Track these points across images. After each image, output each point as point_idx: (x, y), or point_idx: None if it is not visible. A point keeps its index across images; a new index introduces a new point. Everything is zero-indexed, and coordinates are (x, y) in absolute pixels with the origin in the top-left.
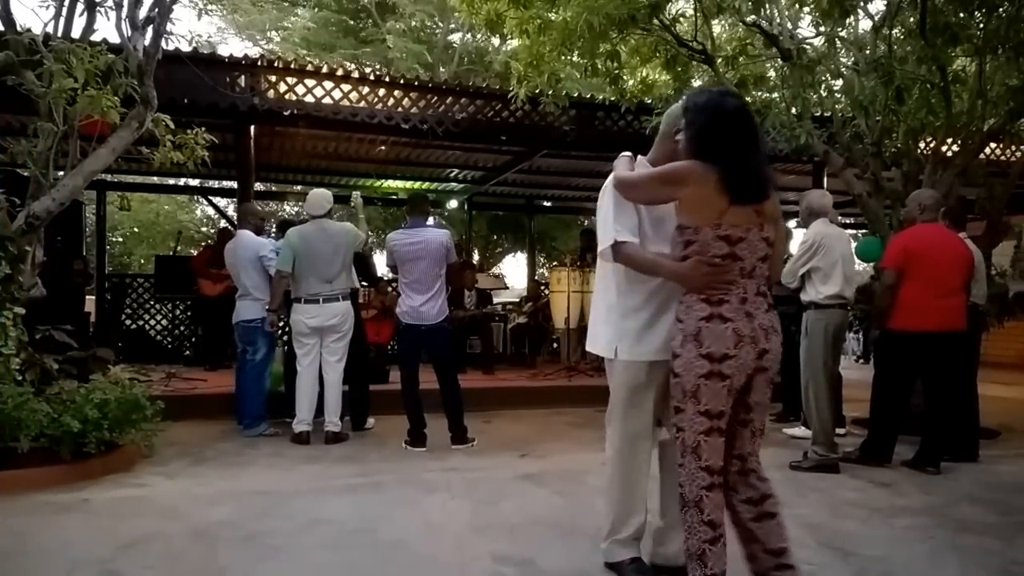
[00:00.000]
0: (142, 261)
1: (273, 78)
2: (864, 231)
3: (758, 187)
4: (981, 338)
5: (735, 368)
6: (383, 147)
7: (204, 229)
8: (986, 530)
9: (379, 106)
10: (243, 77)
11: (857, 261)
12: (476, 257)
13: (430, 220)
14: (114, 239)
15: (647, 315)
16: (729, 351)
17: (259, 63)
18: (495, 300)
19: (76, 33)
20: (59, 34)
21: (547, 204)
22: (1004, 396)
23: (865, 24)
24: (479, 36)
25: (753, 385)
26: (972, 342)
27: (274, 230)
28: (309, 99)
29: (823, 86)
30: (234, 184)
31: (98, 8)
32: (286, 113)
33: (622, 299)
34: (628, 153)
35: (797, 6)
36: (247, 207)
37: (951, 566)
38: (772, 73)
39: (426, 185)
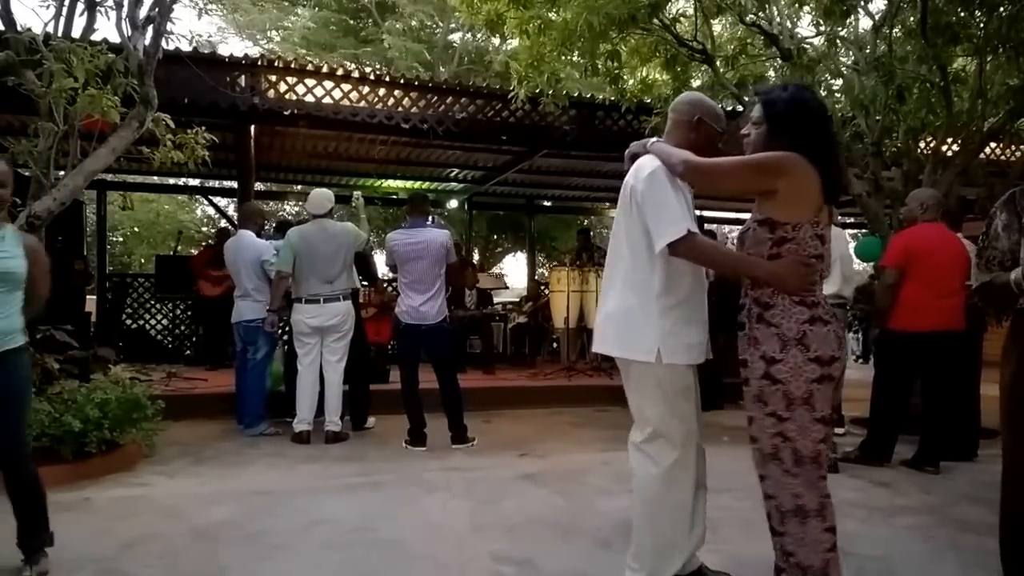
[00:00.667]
0: (142, 261)
1: (273, 78)
2: (864, 231)
3: (841, 187)
4: (983, 338)
5: (839, 370)
6: (383, 147)
7: (204, 229)
8: (986, 530)
9: (379, 106)
10: (243, 77)
11: (856, 261)
12: (476, 257)
13: (430, 220)
14: (115, 239)
15: (689, 313)
16: (835, 353)
17: (259, 63)
18: (495, 300)
19: (76, 33)
20: (59, 34)
21: (547, 204)
22: None
23: (865, 23)
24: (479, 36)
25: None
26: (973, 342)
27: (272, 231)
28: (309, 99)
29: (823, 86)
30: (234, 184)
31: (98, 8)
32: (286, 113)
33: (663, 298)
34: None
35: (797, 5)
36: (250, 207)
37: (951, 566)
38: (772, 73)
39: (426, 185)
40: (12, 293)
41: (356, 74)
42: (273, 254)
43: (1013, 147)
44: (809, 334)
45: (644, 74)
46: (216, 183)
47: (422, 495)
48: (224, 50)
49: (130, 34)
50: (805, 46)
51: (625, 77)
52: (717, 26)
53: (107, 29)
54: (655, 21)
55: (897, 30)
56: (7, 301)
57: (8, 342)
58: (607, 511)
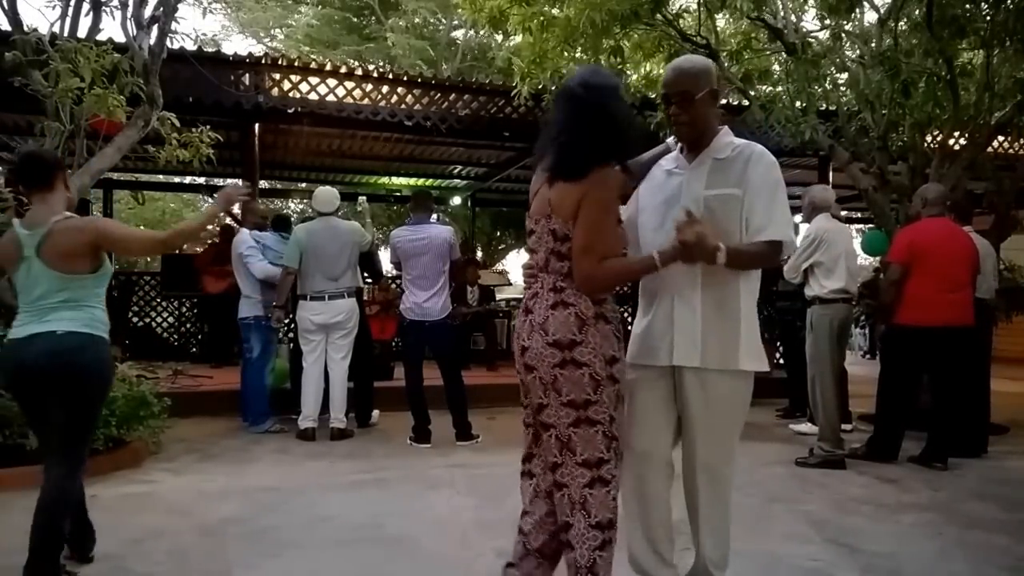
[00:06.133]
0: (148, 259)
1: (277, 76)
2: (870, 225)
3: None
4: (992, 333)
5: (622, 372)
6: (386, 144)
7: (209, 227)
8: (994, 526)
9: (382, 103)
10: (247, 75)
11: (860, 255)
12: (479, 253)
13: (433, 217)
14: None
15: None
16: (616, 353)
17: (263, 61)
18: (498, 296)
19: (82, 33)
20: (65, 34)
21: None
22: (1012, 391)
23: (871, 17)
24: (482, 33)
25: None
26: (983, 337)
27: (269, 226)
28: (313, 97)
29: (828, 80)
30: (239, 182)
31: (103, 8)
32: (290, 111)
33: (744, 301)
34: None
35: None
36: (247, 206)
37: (959, 562)
38: (777, 67)
39: (429, 182)
40: None
41: (359, 72)
42: (251, 246)
43: (1021, 141)
44: (551, 319)
45: (648, 69)
46: (221, 181)
47: (427, 492)
48: (228, 48)
49: (135, 34)
50: (810, 40)
51: (629, 73)
52: (721, 21)
53: (112, 29)
54: (658, 16)
55: (903, 23)
56: None
57: None
58: None
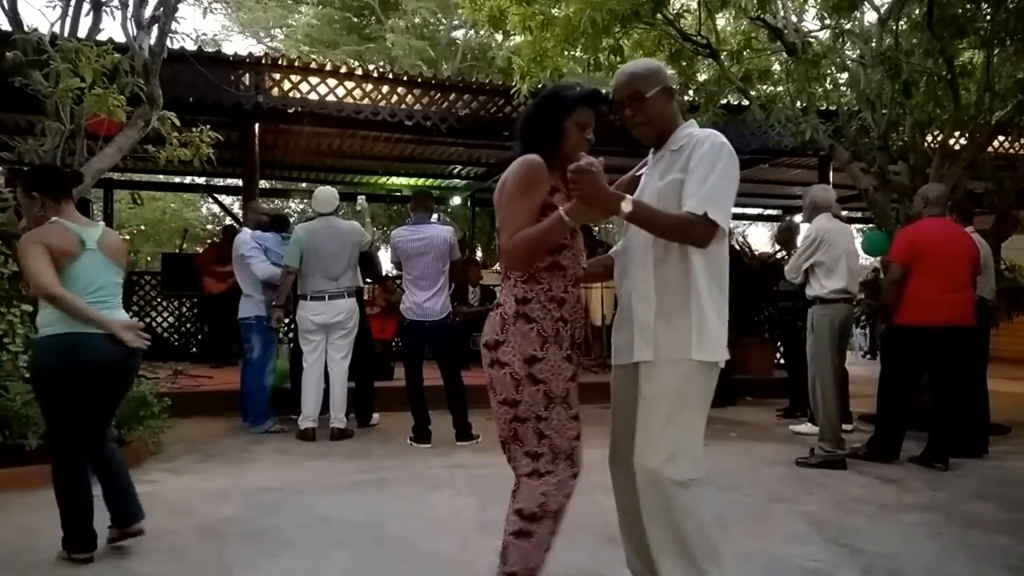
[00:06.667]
0: (148, 259)
1: (277, 76)
2: (871, 225)
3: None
4: (991, 333)
5: (545, 372)
6: (386, 144)
7: (210, 227)
8: (995, 526)
9: (382, 103)
10: (247, 75)
11: (861, 255)
12: (480, 253)
13: (434, 217)
14: (121, 237)
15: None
16: (536, 352)
17: (263, 61)
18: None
19: (82, 33)
20: (66, 34)
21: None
22: (1013, 392)
23: (871, 17)
24: (482, 32)
25: None
26: (982, 337)
27: (269, 224)
28: (313, 97)
29: (828, 80)
30: (239, 182)
31: (104, 8)
32: (290, 111)
33: (701, 287)
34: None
35: None
36: (249, 205)
37: (960, 562)
38: (777, 67)
39: (429, 182)
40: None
41: (359, 72)
42: (252, 247)
43: (1022, 140)
44: (487, 321)
45: None
46: (221, 181)
47: (427, 492)
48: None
49: (135, 34)
50: (810, 40)
51: None
52: (721, 20)
53: (113, 29)
54: (659, 16)
55: (903, 23)
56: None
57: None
58: (612, 508)
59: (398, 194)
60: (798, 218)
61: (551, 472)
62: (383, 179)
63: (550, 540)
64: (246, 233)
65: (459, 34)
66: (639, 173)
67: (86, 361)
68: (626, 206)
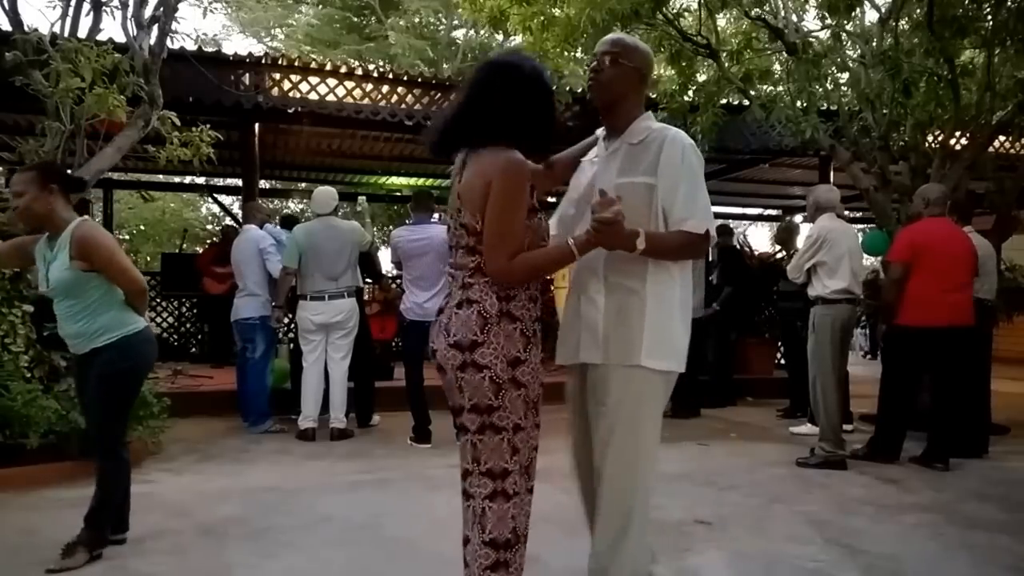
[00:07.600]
0: (148, 259)
1: (277, 76)
2: (871, 225)
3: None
4: (993, 334)
5: (528, 375)
6: (386, 143)
7: (210, 227)
8: (995, 527)
9: (382, 103)
10: (247, 75)
11: (863, 255)
12: None
13: (434, 216)
14: (121, 237)
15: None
16: (520, 354)
17: (263, 61)
18: None
19: (83, 33)
20: (66, 34)
21: (551, 200)
22: (1013, 392)
23: (871, 16)
24: (482, 32)
25: None
26: (984, 338)
27: (277, 226)
28: (313, 96)
29: (829, 80)
30: (239, 181)
31: (104, 8)
32: (290, 111)
33: (682, 293)
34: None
35: None
36: (252, 204)
37: (961, 563)
38: (777, 67)
39: (430, 181)
40: (69, 300)
41: (359, 72)
42: (272, 243)
43: (1022, 140)
44: (453, 318)
45: None
46: (221, 181)
47: (427, 492)
48: (228, 48)
49: (135, 33)
50: (811, 40)
51: None
52: (721, 20)
53: (113, 29)
54: (659, 16)
55: (904, 23)
56: (71, 308)
57: (82, 345)
58: None
59: (398, 194)
60: (798, 218)
61: (519, 492)
62: (383, 179)
63: (523, 564)
64: (260, 229)
65: (459, 34)
66: (585, 159)
67: (155, 353)
68: (640, 244)
